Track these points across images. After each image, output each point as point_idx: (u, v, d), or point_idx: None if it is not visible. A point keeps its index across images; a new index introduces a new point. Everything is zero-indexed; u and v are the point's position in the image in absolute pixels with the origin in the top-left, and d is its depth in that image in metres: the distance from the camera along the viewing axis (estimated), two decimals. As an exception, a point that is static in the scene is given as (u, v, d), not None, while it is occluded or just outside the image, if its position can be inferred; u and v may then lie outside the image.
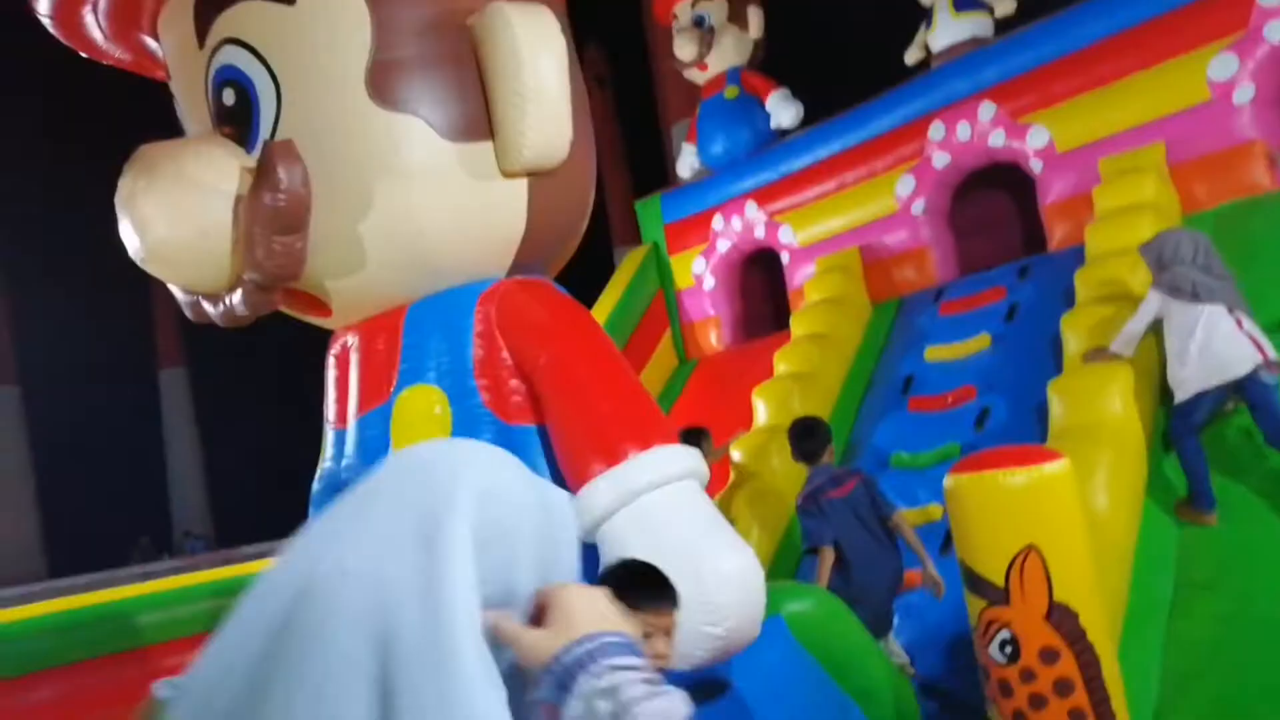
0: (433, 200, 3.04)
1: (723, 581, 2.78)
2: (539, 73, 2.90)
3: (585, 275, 9.18)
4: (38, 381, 16.19)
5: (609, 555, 2.87)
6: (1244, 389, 4.71)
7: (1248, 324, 4.72)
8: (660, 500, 2.87)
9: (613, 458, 2.89)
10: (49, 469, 16.25)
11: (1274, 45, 6.01)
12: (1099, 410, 5.00)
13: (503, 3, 2.93)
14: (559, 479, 3.11)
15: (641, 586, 2.42)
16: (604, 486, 2.86)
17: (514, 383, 3.15)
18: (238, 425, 16.83)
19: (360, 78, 2.94)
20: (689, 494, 2.96)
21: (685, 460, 2.99)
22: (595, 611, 1.11)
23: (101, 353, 16.22)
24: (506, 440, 3.17)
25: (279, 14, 2.94)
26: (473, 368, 3.15)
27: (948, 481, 3.65)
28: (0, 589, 12.00)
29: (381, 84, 2.95)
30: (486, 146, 3.03)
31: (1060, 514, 3.49)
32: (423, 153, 2.99)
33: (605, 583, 1.69)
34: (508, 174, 3.05)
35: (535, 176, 3.10)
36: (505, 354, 3.14)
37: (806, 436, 5.09)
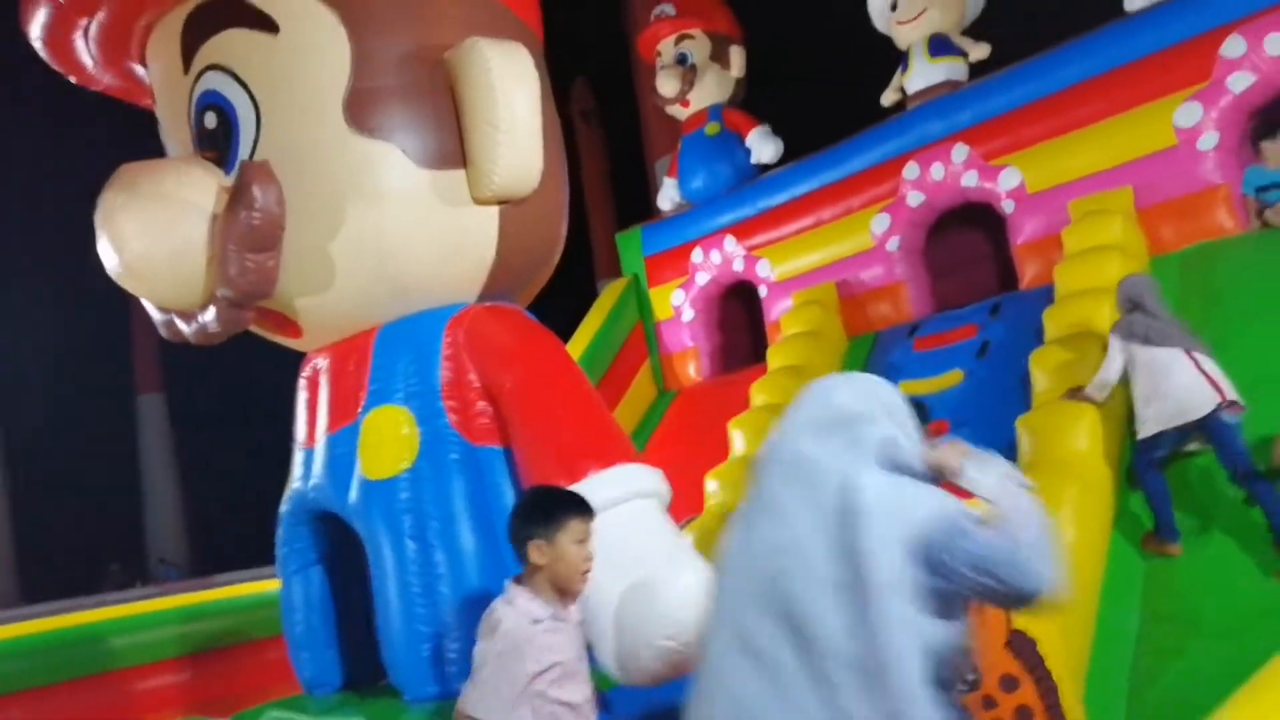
0: (405, 225, 3.12)
1: (679, 596, 2.84)
2: (512, 106, 3.01)
3: (569, 306, 9.32)
4: (13, 405, 16.09)
5: None
6: (1207, 428, 4.79)
7: (1207, 364, 4.80)
8: (619, 518, 2.94)
9: (573, 476, 2.96)
10: (23, 493, 16.11)
11: (1236, 95, 6.16)
12: (1066, 446, 5.07)
13: (479, 38, 3.03)
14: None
15: None
16: None
17: (481, 405, 3.22)
18: (215, 453, 16.73)
19: (339, 105, 3.04)
20: (648, 511, 3.03)
21: (645, 479, 3.06)
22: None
23: (78, 377, 16.14)
24: (473, 461, 3.25)
25: (262, 42, 3.04)
26: (441, 390, 3.22)
27: None
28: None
29: (359, 112, 3.04)
30: (459, 175, 3.12)
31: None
32: (397, 178, 3.08)
33: None
34: (479, 202, 3.15)
35: (506, 205, 3.19)
36: (473, 377, 3.22)
37: None
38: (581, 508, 2.60)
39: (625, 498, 2.99)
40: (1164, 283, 5.52)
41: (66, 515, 15.96)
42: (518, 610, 2.52)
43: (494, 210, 3.21)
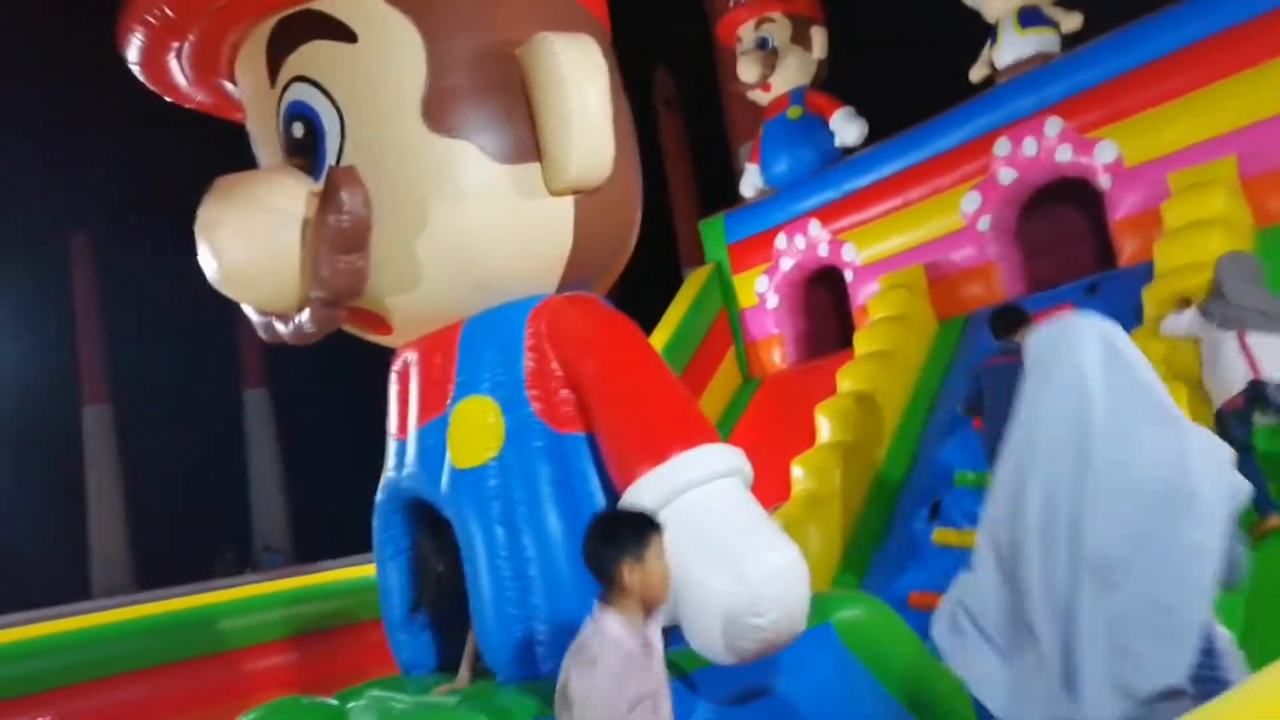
0: (485, 220, 3.21)
1: (765, 575, 2.86)
2: (583, 97, 3.07)
3: (654, 294, 9.35)
4: (128, 400, 16.91)
5: None
6: (1264, 400, 4.70)
7: (1258, 343, 4.72)
8: (705, 497, 2.99)
9: (658, 457, 3.01)
10: (137, 485, 16.94)
11: (1351, 54, 5.87)
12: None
13: (548, 33, 3.09)
14: (608, 484, 3.23)
15: None
16: (647, 485, 3.00)
17: (564, 393, 3.30)
18: (317, 445, 17.31)
19: (417, 107, 3.14)
20: (732, 491, 3.06)
21: (728, 459, 3.10)
22: None
23: (189, 373, 16.88)
24: (557, 448, 3.32)
25: (342, 51, 3.17)
26: (525, 379, 3.30)
27: None
28: (93, 600, 12.54)
29: (436, 112, 3.14)
30: (534, 168, 3.20)
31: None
32: (475, 175, 3.16)
33: None
34: (555, 193, 3.21)
35: (581, 195, 3.24)
36: (555, 366, 3.30)
37: (1000, 315, 5.75)
38: (656, 524, 2.63)
39: (710, 477, 3.03)
40: (1271, 255, 5.30)
41: (178, 506, 16.70)
42: (612, 643, 2.51)
43: (569, 201, 3.28)
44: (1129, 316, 6.04)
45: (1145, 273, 6.19)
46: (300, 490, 18.10)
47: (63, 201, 15.80)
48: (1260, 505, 4.69)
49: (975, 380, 5.71)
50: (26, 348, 16.46)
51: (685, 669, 3.22)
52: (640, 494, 3.00)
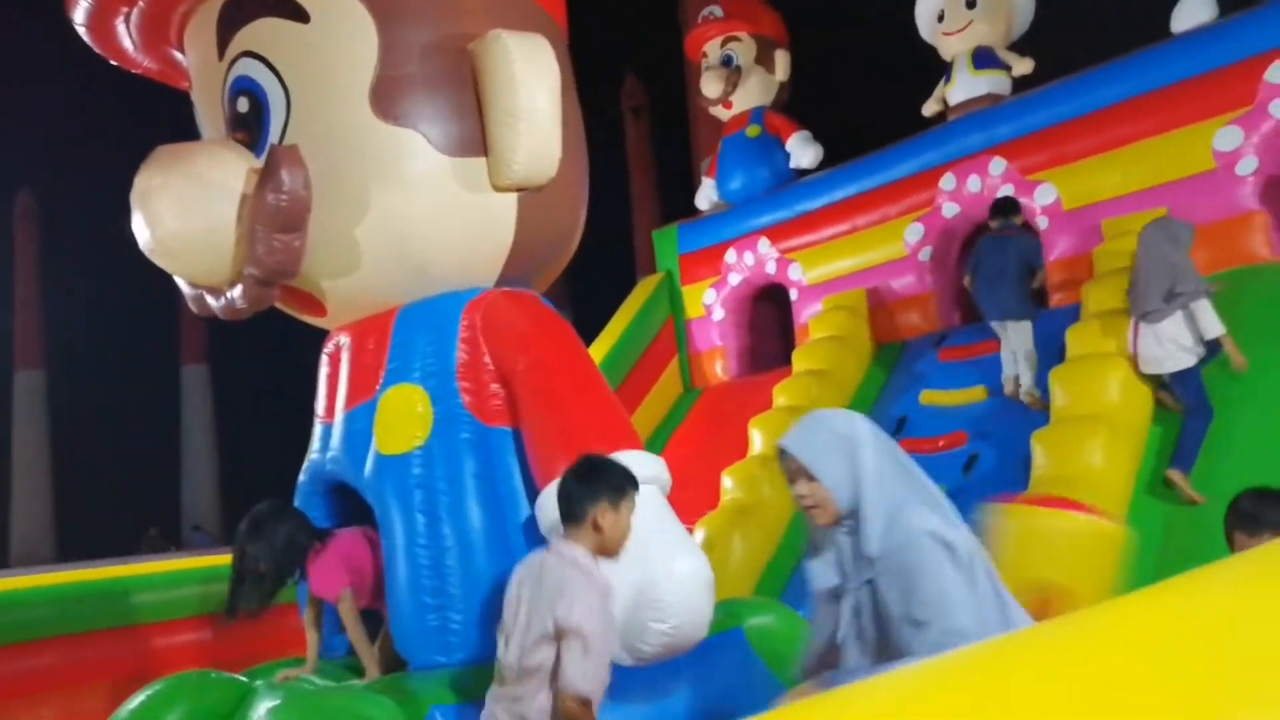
0: (427, 210, 3.25)
1: (673, 582, 2.94)
2: (532, 96, 3.12)
3: (608, 299, 9.42)
4: (63, 367, 16.58)
5: None
6: None
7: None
8: None
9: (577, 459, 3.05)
10: (66, 455, 16.59)
11: (1279, 121, 6.13)
12: (1079, 463, 5.11)
13: (502, 30, 3.15)
14: (529, 480, 3.29)
15: None
16: None
17: (494, 387, 3.35)
18: (254, 425, 17.10)
19: (365, 92, 3.17)
20: (647, 497, 3.10)
21: (647, 466, 3.15)
22: None
23: (127, 345, 16.59)
24: (484, 441, 3.37)
25: (293, 30, 3.19)
26: (456, 370, 3.35)
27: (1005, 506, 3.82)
28: (11, 569, 12.27)
29: (384, 99, 3.17)
30: (480, 162, 3.24)
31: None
32: (420, 164, 3.20)
33: None
34: (499, 189, 3.27)
35: (525, 193, 3.30)
36: (488, 359, 3.34)
37: (1000, 202, 6.87)
38: (636, 481, 2.82)
39: None
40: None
41: (107, 480, 16.38)
42: (585, 570, 2.64)
43: (513, 197, 3.33)
44: (1054, 355, 6.26)
45: (1073, 314, 6.41)
46: (233, 471, 17.84)
47: (9, 158, 15.45)
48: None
49: (977, 249, 6.84)
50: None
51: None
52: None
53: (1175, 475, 5.16)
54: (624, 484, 2.77)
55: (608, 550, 2.73)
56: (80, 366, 16.39)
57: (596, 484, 2.74)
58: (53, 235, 16.75)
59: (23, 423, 16.46)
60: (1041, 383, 6.14)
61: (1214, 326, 5.27)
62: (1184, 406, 5.41)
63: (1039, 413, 6.12)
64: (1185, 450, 5.24)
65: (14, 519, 16.10)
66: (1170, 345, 5.35)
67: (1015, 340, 6.54)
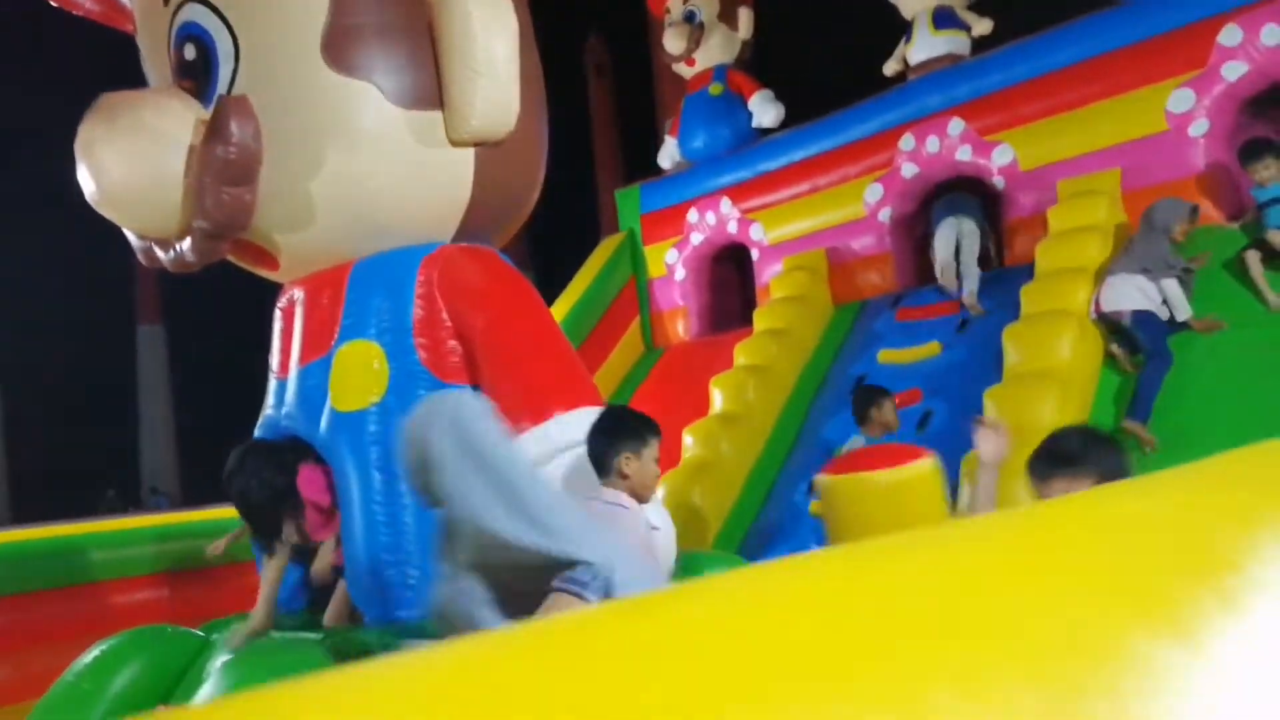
0: (381, 163, 3.22)
1: None
2: (490, 49, 3.09)
3: (572, 259, 9.39)
4: (13, 330, 16.25)
5: None
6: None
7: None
8: (578, 458, 3.07)
9: (539, 416, 3.09)
10: (19, 416, 16.32)
11: (1230, 83, 6.20)
12: (1031, 416, 5.21)
13: None
14: None
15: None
16: (528, 442, 3.06)
17: (451, 343, 3.34)
18: (211, 386, 16.90)
19: (317, 42, 3.11)
20: None
21: None
22: None
23: (81, 305, 16.29)
24: (440, 398, 3.37)
25: None
26: (412, 326, 3.34)
27: (820, 479, 3.86)
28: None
29: (337, 49, 3.12)
30: (436, 116, 3.21)
31: (927, 511, 3.73)
32: (373, 117, 3.17)
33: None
34: (455, 143, 3.24)
35: (482, 147, 3.27)
36: (445, 315, 3.34)
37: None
38: (656, 428, 3.12)
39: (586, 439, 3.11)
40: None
41: (62, 442, 16.15)
42: (633, 513, 2.95)
43: (470, 152, 3.30)
44: (1010, 313, 6.35)
45: (1029, 272, 6.49)
46: (191, 432, 17.66)
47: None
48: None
49: (935, 208, 7.29)
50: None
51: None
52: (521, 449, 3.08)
53: (1132, 426, 5.27)
54: (642, 430, 3.05)
55: (639, 494, 3.00)
56: (32, 327, 16.08)
57: (617, 435, 3.02)
58: (3, 191, 16.35)
59: (-27, 384, 16.18)
60: (996, 342, 6.21)
61: (1180, 309, 5.49)
62: (1143, 352, 5.52)
63: (989, 370, 6.19)
64: (1142, 400, 5.34)
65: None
66: (1134, 291, 5.55)
67: (967, 238, 6.97)
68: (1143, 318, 5.53)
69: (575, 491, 3.03)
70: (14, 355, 16.28)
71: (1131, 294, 5.56)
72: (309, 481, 3.50)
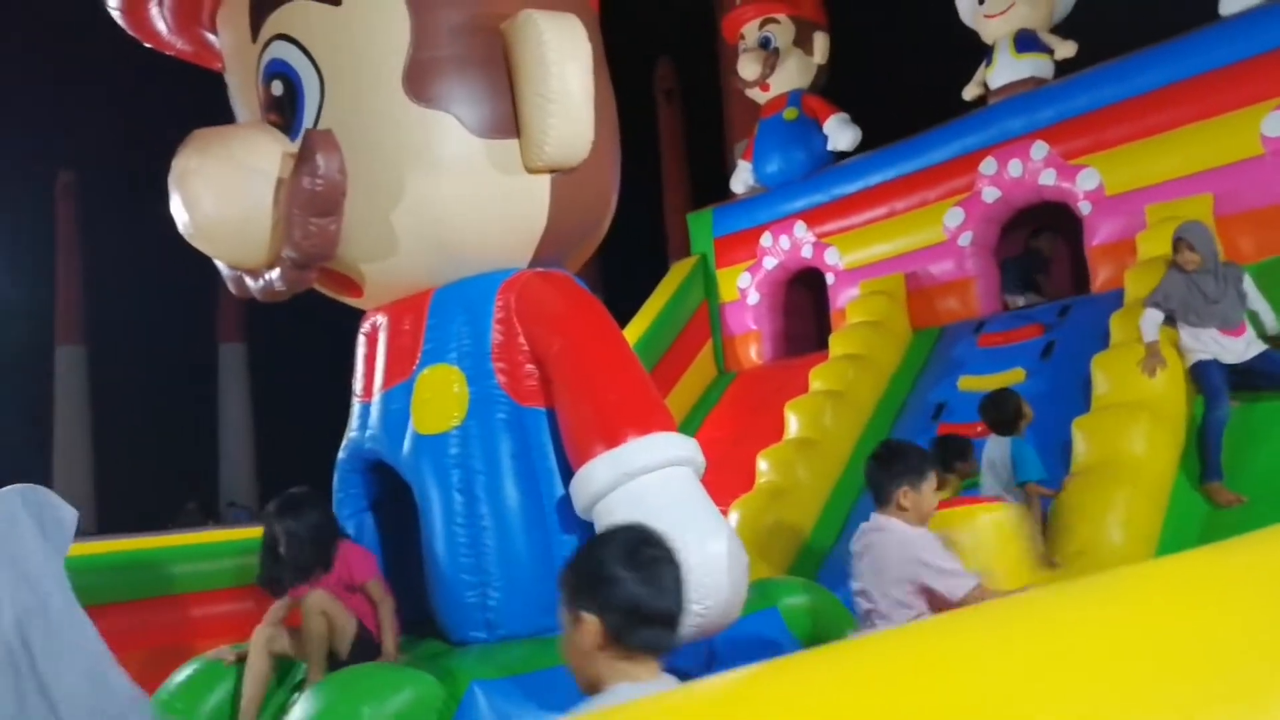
0: (460, 192, 3.26)
1: (707, 562, 2.94)
2: (564, 77, 3.12)
3: (640, 282, 9.41)
4: (102, 344, 16.84)
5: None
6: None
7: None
8: (654, 483, 3.06)
9: (613, 440, 3.07)
10: (105, 430, 16.86)
11: (1332, 104, 6.00)
12: (1121, 448, 5.05)
13: (533, 10, 3.14)
14: (564, 460, 3.30)
15: None
16: (602, 466, 3.06)
17: (529, 367, 3.36)
18: (289, 403, 17.28)
19: (398, 75, 3.18)
20: (682, 479, 3.13)
21: (681, 448, 3.17)
22: None
23: (165, 322, 16.79)
24: (519, 421, 3.39)
25: (326, 13, 3.21)
26: (491, 351, 3.37)
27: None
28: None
29: (417, 81, 3.19)
30: (513, 144, 3.25)
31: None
32: (453, 147, 3.22)
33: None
34: (531, 170, 3.27)
35: (557, 174, 3.30)
36: (522, 340, 3.36)
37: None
38: (932, 459, 3.35)
39: (661, 464, 3.09)
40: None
41: (146, 455, 16.62)
42: (899, 529, 3.23)
43: (546, 179, 3.33)
44: (1097, 341, 6.17)
45: (1116, 299, 6.31)
46: (269, 448, 18.06)
47: (51, 139, 15.68)
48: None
49: None
50: (4, 283, 16.34)
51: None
52: (594, 474, 3.08)
53: (1212, 487, 5.03)
54: (922, 465, 3.24)
55: (921, 522, 3.24)
56: (120, 343, 16.63)
57: (896, 468, 3.22)
58: (93, 214, 16.98)
59: (64, 398, 16.76)
60: (1082, 369, 6.03)
61: (1145, 333, 5.39)
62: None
63: (1074, 398, 6.02)
64: (1209, 459, 5.09)
65: (55, 492, 16.37)
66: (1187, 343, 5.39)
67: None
68: (1193, 369, 5.34)
69: (652, 521, 3.00)
70: (102, 370, 16.87)
71: (1186, 348, 5.40)
72: (356, 557, 3.55)
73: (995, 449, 5.35)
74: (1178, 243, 5.37)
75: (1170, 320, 5.39)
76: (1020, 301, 7.84)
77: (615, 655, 1.86)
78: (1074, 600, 0.94)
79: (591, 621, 1.86)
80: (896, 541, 3.20)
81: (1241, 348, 5.21)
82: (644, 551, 1.94)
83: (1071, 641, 0.81)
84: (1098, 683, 0.74)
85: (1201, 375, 5.26)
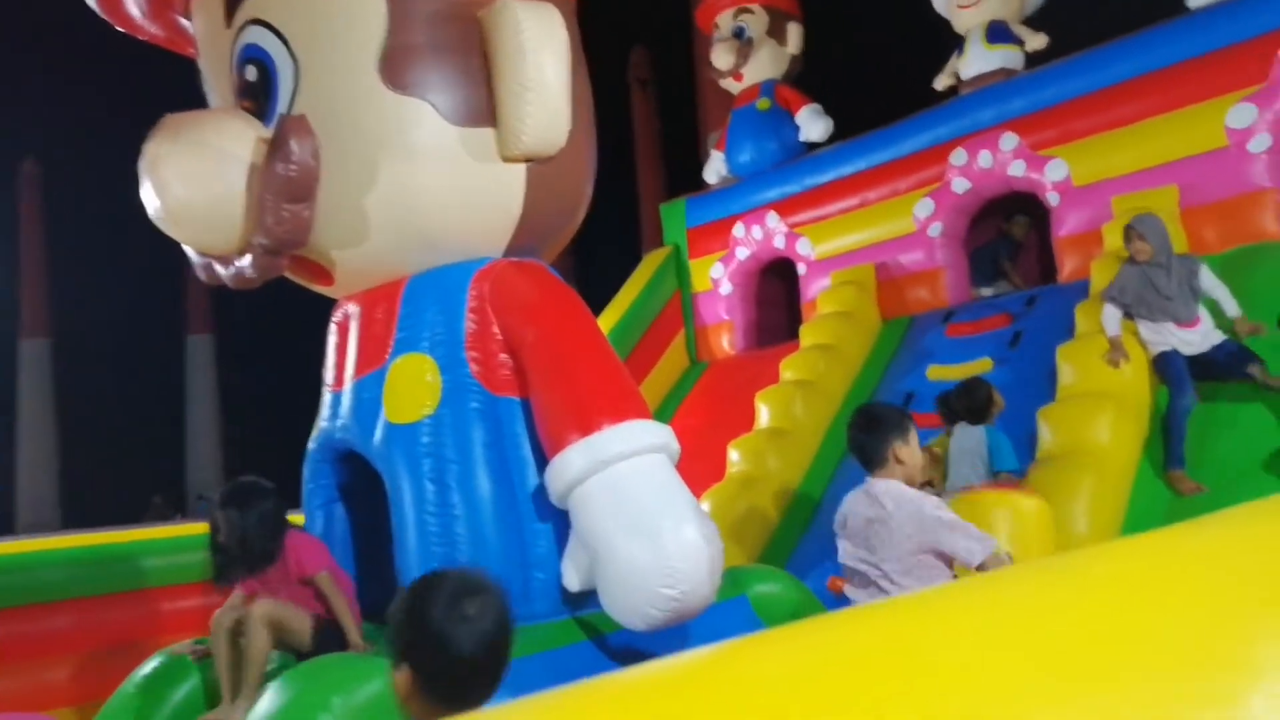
0: (435, 180, 3.25)
1: (682, 548, 2.95)
2: (541, 66, 3.11)
3: (613, 272, 9.40)
4: (68, 336, 16.60)
5: (579, 519, 3.07)
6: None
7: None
8: (629, 470, 3.07)
9: (587, 428, 3.08)
10: (72, 424, 16.64)
11: (1293, 97, 6.08)
12: (1086, 437, 5.12)
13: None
14: (539, 449, 3.31)
15: None
16: (576, 454, 3.07)
17: (503, 357, 3.36)
18: (257, 395, 17.14)
19: (374, 62, 3.16)
20: (657, 466, 3.14)
21: (656, 435, 3.18)
22: None
23: (132, 313, 16.58)
24: (492, 410, 3.39)
25: None
26: (465, 340, 3.36)
27: None
28: (17, 536, 12.35)
29: (394, 68, 3.17)
30: (488, 132, 3.24)
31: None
32: (428, 135, 3.20)
33: None
34: (507, 159, 3.26)
35: (533, 163, 3.29)
36: (496, 329, 3.36)
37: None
38: (910, 415, 3.38)
39: (636, 451, 3.10)
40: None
41: (111, 449, 16.43)
42: (897, 489, 3.22)
43: (521, 168, 3.32)
44: (1063, 331, 6.24)
45: (1082, 289, 6.38)
46: (239, 440, 17.90)
47: (14, 127, 15.40)
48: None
49: None
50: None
51: (602, 631, 3.32)
52: (569, 462, 3.08)
53: (1175, 475, 5.11)
54: (903, 419, 3.28)
55: (911, 480, 3.24)
56: (86, 335, 16.41)
57: (884, 427, 3.23)
58: (58, 204, 16.72)
59: (28, 391, 16.52)
60: (1049, 359, 6.10)
61: (1107, 328, 5.49)
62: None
63: (1041, 387, 6.10)
64: (1172, 448, 5.16)
65: (20, 486, 16.18)
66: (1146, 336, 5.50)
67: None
68: (1156, 359, 5.43)
69: (628, 508, 3.01)
70: (67, 363, 16.63)
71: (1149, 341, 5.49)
72: (305, 549, 3.50)
73: (968, 438, 5.39)
74: (1128, 232, 5.45)
75: (1129, 314, 5.45)
76: (988, 292, 7.92)
77: (425, 706, 1.76)
78: (1038, 579, 0.96)
79: (403, 671, 1.77)
80: (911, 505, 3.13)
81: (1198, 339, 5.28)
82: (463, 603, 1.79)
83: (1034, 620, 0.82)
84: (1058, 660, 0.75)
85: (1164, 366, 5.33)
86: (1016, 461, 5.24)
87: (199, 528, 6.38)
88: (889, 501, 3.16)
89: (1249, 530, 0.96)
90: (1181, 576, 0.88)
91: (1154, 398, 5.60)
